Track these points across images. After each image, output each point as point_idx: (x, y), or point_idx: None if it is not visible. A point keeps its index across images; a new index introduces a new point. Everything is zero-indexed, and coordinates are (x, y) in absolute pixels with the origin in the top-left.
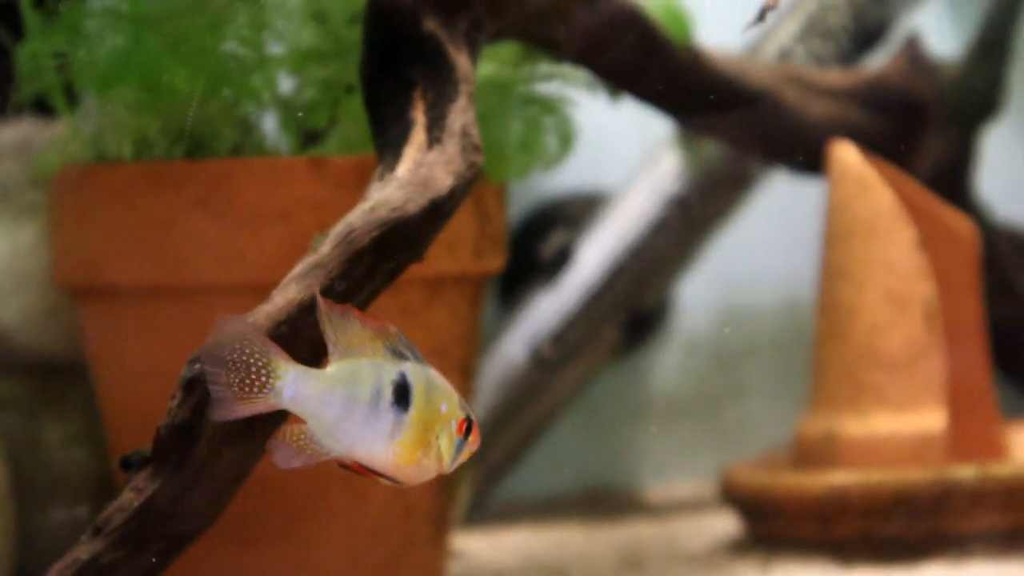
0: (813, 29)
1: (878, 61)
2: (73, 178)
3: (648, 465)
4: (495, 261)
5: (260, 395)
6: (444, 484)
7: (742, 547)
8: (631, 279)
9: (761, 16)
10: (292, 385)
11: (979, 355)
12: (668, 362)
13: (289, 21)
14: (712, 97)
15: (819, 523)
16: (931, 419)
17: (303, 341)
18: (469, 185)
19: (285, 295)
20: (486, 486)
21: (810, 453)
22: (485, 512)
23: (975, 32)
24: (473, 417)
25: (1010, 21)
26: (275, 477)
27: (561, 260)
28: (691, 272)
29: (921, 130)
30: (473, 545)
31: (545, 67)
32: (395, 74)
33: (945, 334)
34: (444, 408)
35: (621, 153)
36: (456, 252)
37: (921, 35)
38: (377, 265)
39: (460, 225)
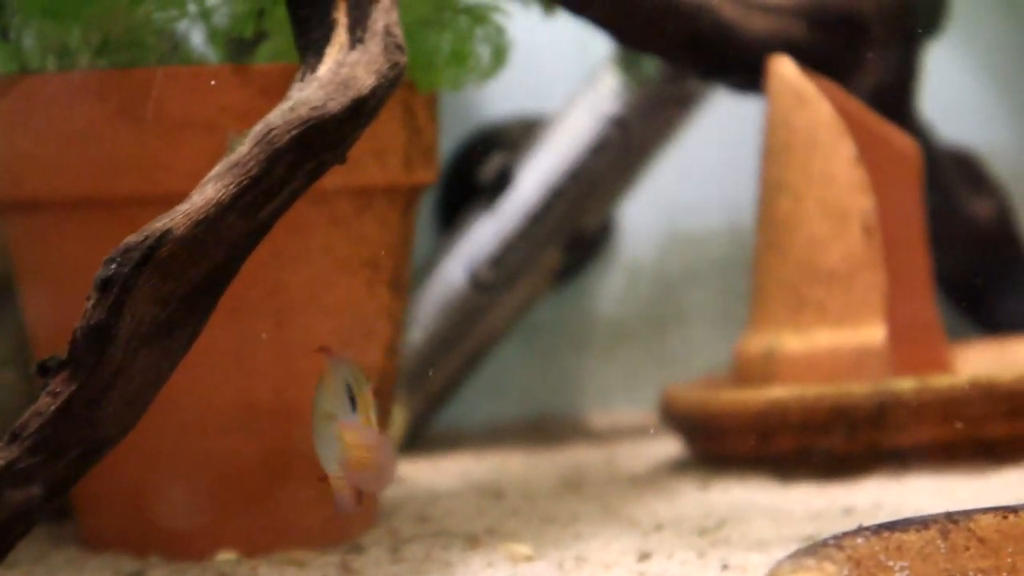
0: None
1: None
2: None
3: (592, 391)
4: (426, 173)
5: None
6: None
7: (683, 467)
8: (570, 202)
9: None
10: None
11: (921, 274)
12: (611, 287)
13: None
14: (648, 11)
15: (758, 439)
16: (871, 333)
17: (221, 241)
18: (392, 85)
19: (203, 195)
20: (426, 413)
21: (750, 371)
22: (425, 439)
23: None
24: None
25: None
26: (203, 395)
27: (500, 183)
28: (634, 195)
29: (862, 47)
30: (413, 470)
31: None
32: None
33: (887, 251)
34: (366, 389)
35: (563, 76)
36: (386, 163)
37: None
38: (298, 165)
39: (390, 135)
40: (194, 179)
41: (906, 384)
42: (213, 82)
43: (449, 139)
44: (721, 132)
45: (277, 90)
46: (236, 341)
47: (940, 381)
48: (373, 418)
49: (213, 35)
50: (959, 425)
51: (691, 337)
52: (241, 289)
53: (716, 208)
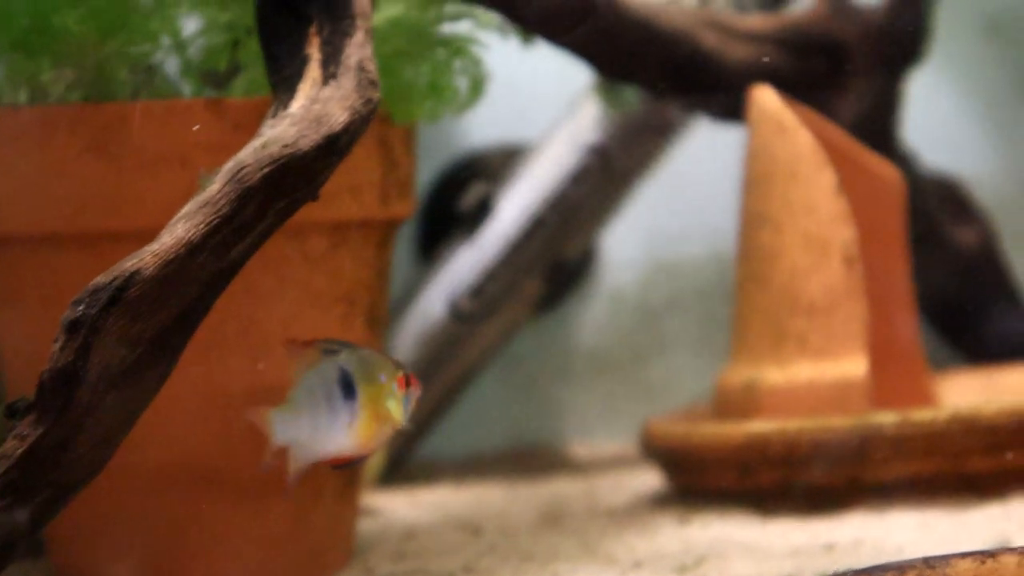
0: None
1: (801, 5)
2: None
3: (573, 422)
4: (403, 207)
5: (270, 444)
6: None
7: (663, 501)
8: (551, 231)
9: None
10: (278, 427)
11: (905, 304)
12: (593, 316)
13: None
14: (626, 40)
15: (739, 473)
16: (852, 366)
17: (192, 280)
18: (365, 121)
19: (173, 234)
20: (406, 444)
21: (732, 403)
22: (405, 471)
23: None
24: (406, 370)
25: None
26: (177, 432)
27: (481, 212)
28: (616, 224)
29: (844, 75)
30: (391, 503)
31: (453, 8)
32: (290, 10)
33: (869, 282)
34: (383, 378)
35: (545, 104)
36: (361, 197)
37: None
38: (269, 203)
39: (365, 170)
40: (167, 214)
41: (887, 418)
42: (197, 127)
43: (430, 168)
44: (704, 160)
45: (251, 124)
46: (209, 378)
47: (922, 415)
48: (392, 408)
49: (186, 68)
50: (940, 459)
51: (674, 366)
52: (214, 325)
53: (699, 237)
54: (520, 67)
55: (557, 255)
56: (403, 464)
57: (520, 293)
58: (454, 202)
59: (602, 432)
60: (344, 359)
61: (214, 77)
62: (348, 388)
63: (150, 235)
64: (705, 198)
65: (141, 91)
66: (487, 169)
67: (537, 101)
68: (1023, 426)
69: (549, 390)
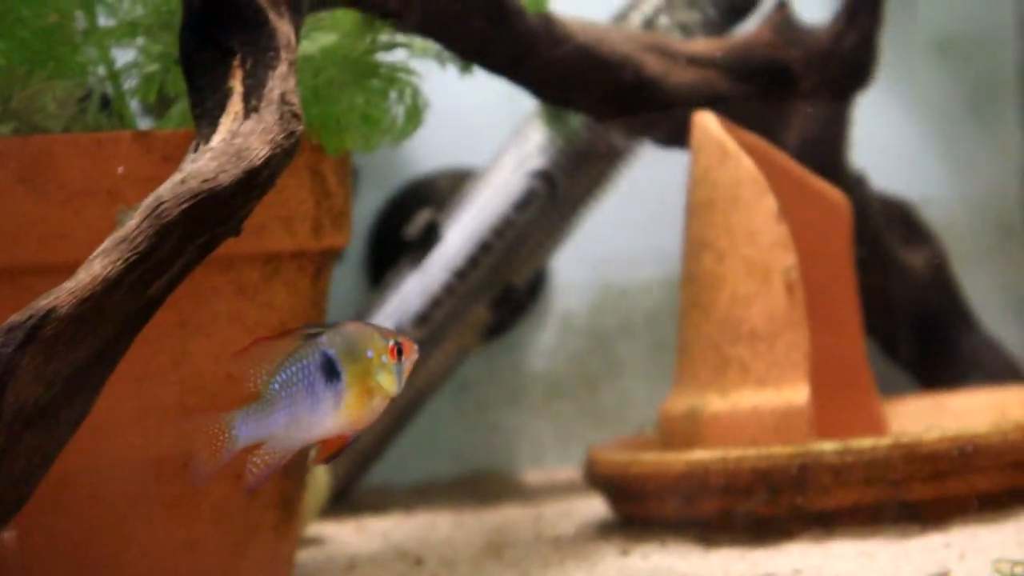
0: None
1: (746, 28)
2: None
3: (525, 448)
4: (338, 237)
5: (226, 450)
6: (291, 469)
7: (607, 530)
8: (496, 257)
9: None
10: (242, 428)
11: (853, 328)
12: (544, 341)
13: None
14: (568, 67)
15: (681, 502)
16: (794, 393)
17: (109, 318)
18: (288, 154)
19: (89, 272)
20: (355, 473)
21: (675, 431)
22: (355, 499)
23: None
24: (398, 339)
25: None
26: (111, 462)
27: (428, 238)
28: (565, 249)
29: (790, 98)
30: (339, 532)
31: (387, 37)
32: (213, 42)
33: (816, 307)
34: (370, 354)
35: (494, 130)
36: (293, 229)
37: (790, 1)
38: (189, 238)
39: (297, 200)
40: (94, 248)
41: (828, 446)
42: (121, 169)
43: (379, 195)
44: (654, 185)
45: (180, 157)
46: (142, 411)
47: (863, 443)
48: (384, 381)
49: (119, 98)
50: (882, 488)
51: (625, 391)
52: (146, 358)
53: (649, 261)
54: (472, 91)
55: (504, 281)
56: (352, 493)
57: (467, 319)
58: (402, 228)
59: (554, 458)
60: (326, 341)
61: (155, 106)
62: (332, 370)
63: (77, 268)
64: (655, 222)
65: (73, 124)
66: (435, 195)
67: (488, 125)
68: (964, 453)
69: (500, 416)
